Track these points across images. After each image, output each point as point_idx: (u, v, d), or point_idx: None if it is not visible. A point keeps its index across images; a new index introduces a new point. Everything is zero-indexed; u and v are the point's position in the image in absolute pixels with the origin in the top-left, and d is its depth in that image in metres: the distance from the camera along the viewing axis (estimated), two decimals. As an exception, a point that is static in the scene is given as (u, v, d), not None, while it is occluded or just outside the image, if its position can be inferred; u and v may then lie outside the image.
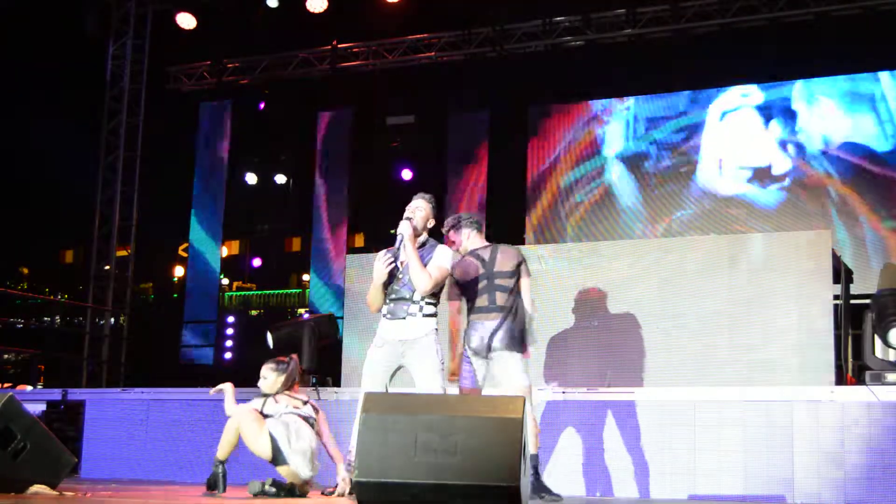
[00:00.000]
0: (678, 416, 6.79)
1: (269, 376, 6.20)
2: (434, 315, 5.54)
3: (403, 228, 5.46)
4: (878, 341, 6.75)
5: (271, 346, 8.50)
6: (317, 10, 13.28)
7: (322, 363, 8.60)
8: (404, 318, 5.46)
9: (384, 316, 5.55)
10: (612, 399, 7.06)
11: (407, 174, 15.29)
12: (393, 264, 5.49)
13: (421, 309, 5.48)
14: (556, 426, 7.05)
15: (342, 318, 8.85)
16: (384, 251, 5.56)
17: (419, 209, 5.57)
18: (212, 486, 6.11)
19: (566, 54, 13.40)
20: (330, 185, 14.91)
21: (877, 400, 6.31)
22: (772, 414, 6.55)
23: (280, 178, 16.61)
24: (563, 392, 7.22)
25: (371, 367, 5.54)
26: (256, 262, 17.97)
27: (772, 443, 6.49)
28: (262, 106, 15.47)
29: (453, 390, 5.66)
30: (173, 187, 15.38)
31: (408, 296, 5.48)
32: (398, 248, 5.52)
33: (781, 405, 6.55)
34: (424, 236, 5.62)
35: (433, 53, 13.92)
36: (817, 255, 7.35)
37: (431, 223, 5.64)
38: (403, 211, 5.66)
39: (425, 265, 5.45)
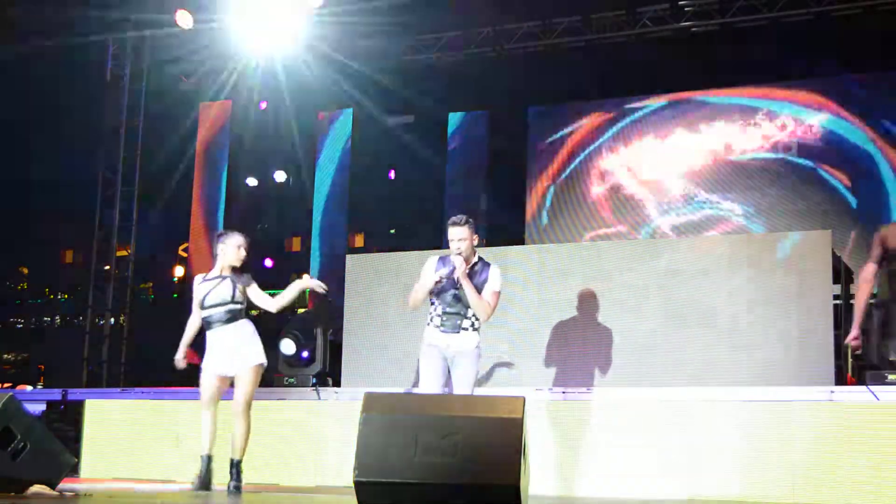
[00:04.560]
0: (678, 416, 6.79)
1: (243, 248, 6.36)
2: (479, 328, 5.98)
3: (458, 263, 5.81)
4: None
5: (292, 353, 8.44)
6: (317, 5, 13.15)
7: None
8: (458, 333, 5.90)
9: (436, 327, 5.93)
10: (611, 399, 7.06)
11: (406, 174, 15.30)
12: (442, 282, 5.85)
13: (472, 325, 5.94)
14: (556, 426, 7.05)
15: (341, 318, 8.83)
16: (437, 259, 5.95)
17: (463, 239, 5.87)
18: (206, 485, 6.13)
19: (566, 54, 13.39)
20: (330, 185, 14.90)
21: (877, 400, 6.31)
22: (772, 414, 6.55)
23: (280, 178, 16.60)
24: (563, 392, 7.22)
25: (428, 366, 5.91)
26: (268, 263, 17.95)
27: (772, 443, 6.49)
28: (262, 106, 15.41)
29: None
30: (173, 187, 15.37)
31: (462, 312, 5.90)
32: (451, 272, 5.84)
33: (781, 405, 6.55)
34: (477, 255, 5.98)
35: (433, 53, 13.91)
36: (817, 255, 7.35)
37: (476, 241, 5.97)
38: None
39: (481, 286, 5.87)
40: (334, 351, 8.70)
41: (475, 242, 5.96)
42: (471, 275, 5.88)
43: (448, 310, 5.91)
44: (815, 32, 12.09)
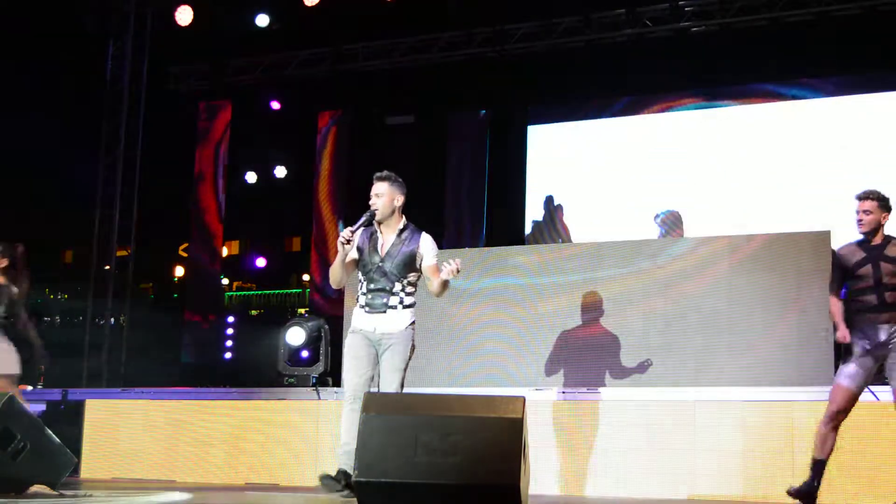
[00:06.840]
0: (678, 416, 6.80)
1: None
2: (413, 305, 5.47)
3: (451, 268, 5.19)
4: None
5: (300, 343, 8.41)
6: (313, 3, 13.13)
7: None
8: (384, 312, 5.37)
9: (361, 307, 5.44)
10: (611, 399, 7.07)
11: (406, 175, 15.28)
12: (349, 244, 5.36)
13: (402, 301, 5.42)
14: (556, 426, 7.05)
15: (342, 317, 8.83)
16: (348, 229, 5.42)
17: (379, 195, 5.47)
18: None
19: (566, 54, 13.38)
20: (330, 185, 14.89)
21: (877, 400, 6.31)
22: (772, 414, 6.55)
23: (280, 177, 16.59)
24: (563, 392, 7.22)
25: (352, 354, 5.41)
26: (260, 263, 17.94)
27: (771, 443, 6.49)
28: (274, 105, 15.32)
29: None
30: (173, 187, 15.37)
31: (387, 287, 5.40)
32: (359, 227, 5.43)
33: (781, 405, 6.55)
34: (403, 221, 5.54)
35: (433, 53, 13.91)
36: (817, 255, 7.35)
37: (399, 201, 5.53)
38: (403, 210, 5.66)
39: (413, 254, 5.40)
40: (334, 351, 8.70)
41: (397, 203, 5.46)
42: (396, 243, 5.41)
43: (372, 286, 5.38)
44: (815, 32, 12.08)
